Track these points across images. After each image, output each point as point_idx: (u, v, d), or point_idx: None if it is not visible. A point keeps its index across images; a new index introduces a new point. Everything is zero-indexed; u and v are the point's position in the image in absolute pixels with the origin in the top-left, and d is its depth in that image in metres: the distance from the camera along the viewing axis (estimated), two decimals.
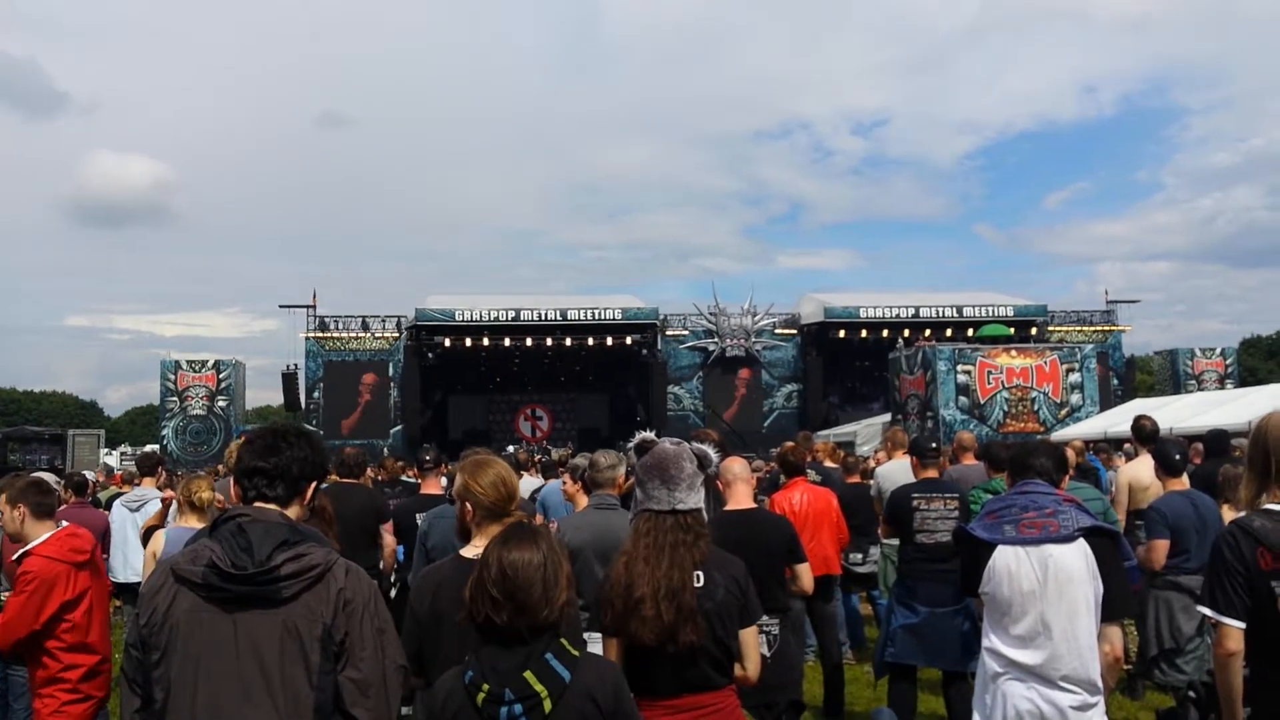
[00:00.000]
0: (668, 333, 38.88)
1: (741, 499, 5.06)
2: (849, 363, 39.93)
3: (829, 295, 40.44)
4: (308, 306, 37.93)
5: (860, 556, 8.95)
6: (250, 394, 45.61)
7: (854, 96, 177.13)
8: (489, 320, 35.75)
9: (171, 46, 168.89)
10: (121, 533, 8.59)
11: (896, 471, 7.73)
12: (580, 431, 40.07)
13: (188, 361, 38.33)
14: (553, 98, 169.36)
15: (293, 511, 2.69)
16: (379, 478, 11.65)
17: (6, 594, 4.78)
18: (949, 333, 35.60)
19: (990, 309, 36.97)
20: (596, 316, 36.54)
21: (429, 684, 2.90)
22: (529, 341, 35.95)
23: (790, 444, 8.28)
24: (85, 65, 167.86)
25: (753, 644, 3.35)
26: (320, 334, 37.70)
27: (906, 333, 35.48)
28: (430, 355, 35.93)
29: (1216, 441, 8.09)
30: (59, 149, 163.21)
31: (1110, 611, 3.69)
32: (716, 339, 39.07)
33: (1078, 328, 40.63)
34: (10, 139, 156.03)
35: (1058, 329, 39.78)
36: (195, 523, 5.53)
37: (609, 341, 36.26)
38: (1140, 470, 7.29)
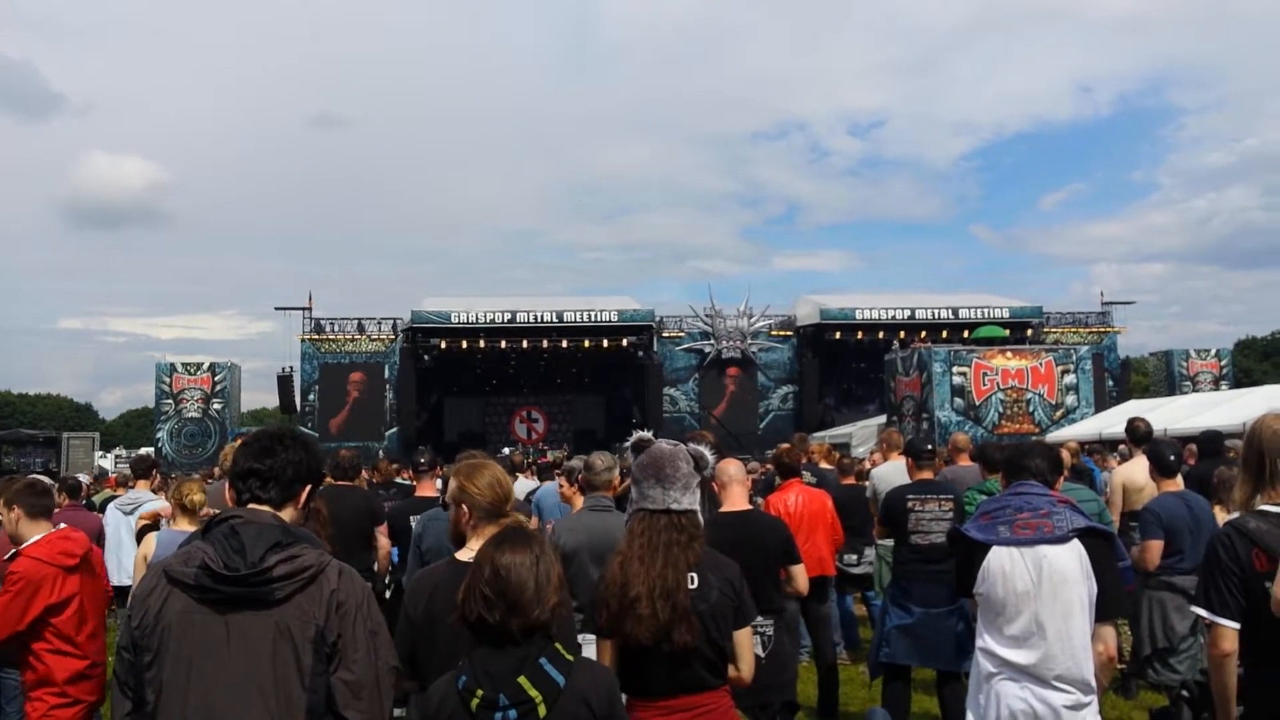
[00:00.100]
0: (664, 335, 38.86)
1: (737, 500, 5.06)
2: (845, 364, 39.93)
3: (825, 297, 40.45)
4: (303, 309, 37.87)
5: (855, 558, 8.96)
6: (246, 396, 45.56)
7: (851, 97, 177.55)
8: (485, 322, 35.69)
9: (167, 47, 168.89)
10: (116, 536, 8.57)
11: (892, 473, 7.74)
12: (576, 433, 40.03)
13: (183, 364, 38.23)
14: (551, 98, 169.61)
15: (287, 514, 2.69)
16: (374, 480, 11.64)
17: None
18: (945, 334, 35.64)
19: (986, 310, 36.99)
20: (592, 318, 36.49)
21: (423, 687, 2.90)
22: (525, 343, 35.90)
23: (785, 445, 8.29)
24: (80, 66, 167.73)
25: (747, 645, 3.36)
26: (316, 336, 37.61)
27: (902, 334, 35.45)
28: (426, 357, 35.87)
29: (1210, 443, 8.11)
30: (53, 150, 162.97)
31: (1104, 611, 3.70)
32: (712, 341, 39.05)
33: (1073, 329, 40.68)
34: (5, 140, 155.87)
35: (1053, 330, 39.82)
36: (187, 526, 5.52)
37: (605, 343, 36.21)
38: (1135, 471, 7.31)
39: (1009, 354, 28.21)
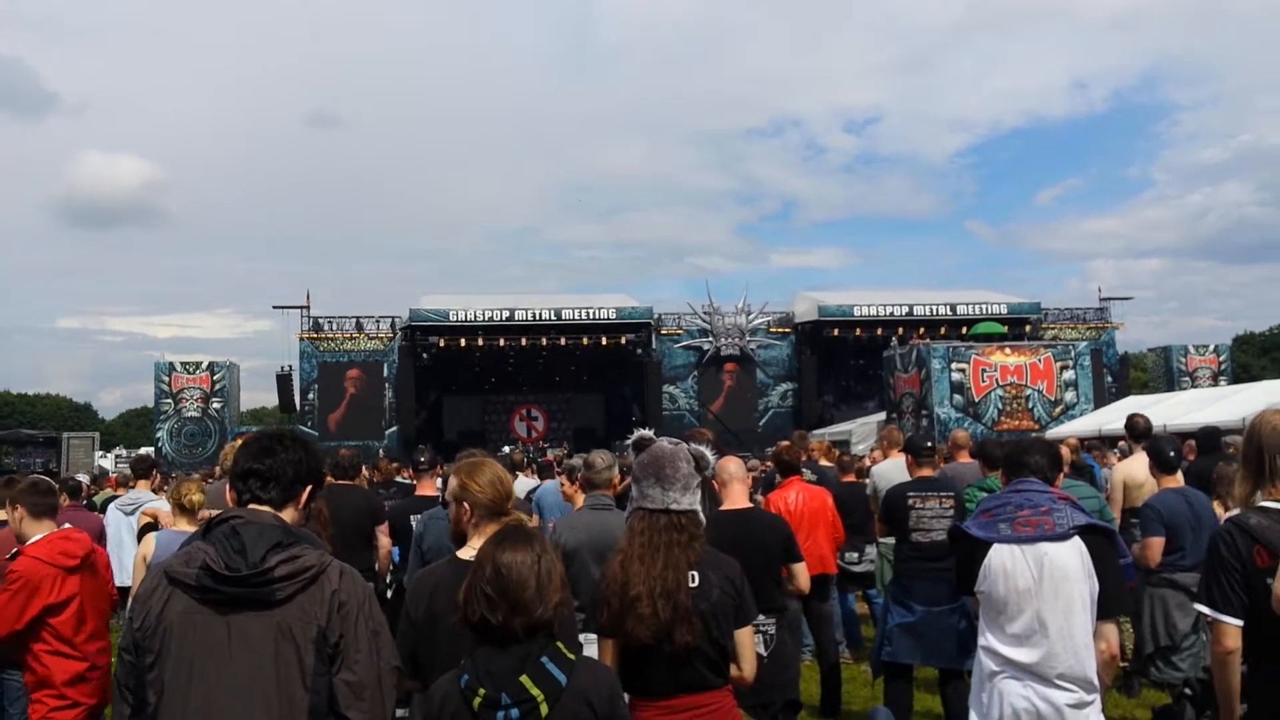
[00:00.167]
0: (662, 332, 38.88)
1: (737, 498, 5.06)
2: (843, 361, 39.93)
3: (823, 294, 40.46)
4: (301, 307, 37.88)
5: (856, 555, 8.96)
6: (245, 395, 45.50)
7: (846, 94, 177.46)
8: (483, 320, 35.68)
9: (165, 46, 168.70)
10: (116, 536, 8.57)
11: (892, 470, 7.73)
12: (576, 431, 40.03)
13: (181, 363, 38.23)
14: (550, 98, 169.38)
15: (287, 515, 2.69)
16: (374, 479, 11.63)
17: None
18: (943, 331, 35.63)
19: (984, 307, 37.00)
20: (591, 316, 36.48)
21: (425, 686, 2.90)
22: (524, 341, 35.88)
23: (785, 443, 8.29)
24: (75, 65, 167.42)
25: (748, 644, 3.36)
26: (314, 335, 37.61)
27: (900, 331, 35.47)
28: (424, 356, 35.86)
29: (1209, 438, 8.12)
30: (49, 150, 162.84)
31: (1106, 609, 3.69)
32: (711, 338, 39.06)
33: (1071, 325, 40.69)
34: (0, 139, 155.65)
35: (1051, 326, 39.83)
36: (186, 526, 5.52)
37: (603, 341, 36.20)
38: (1135, 468, 7.31)
39: (1008, 350, 28.18)
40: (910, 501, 6.16)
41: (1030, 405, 27.14)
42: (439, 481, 7.73)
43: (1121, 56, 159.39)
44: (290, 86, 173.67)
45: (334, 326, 38.08)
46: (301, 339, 37.46)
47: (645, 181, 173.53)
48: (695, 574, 3.24)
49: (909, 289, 42.56)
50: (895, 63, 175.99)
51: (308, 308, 37.93)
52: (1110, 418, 20.44)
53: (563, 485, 6.76)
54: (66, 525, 4.91)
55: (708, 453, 3.53)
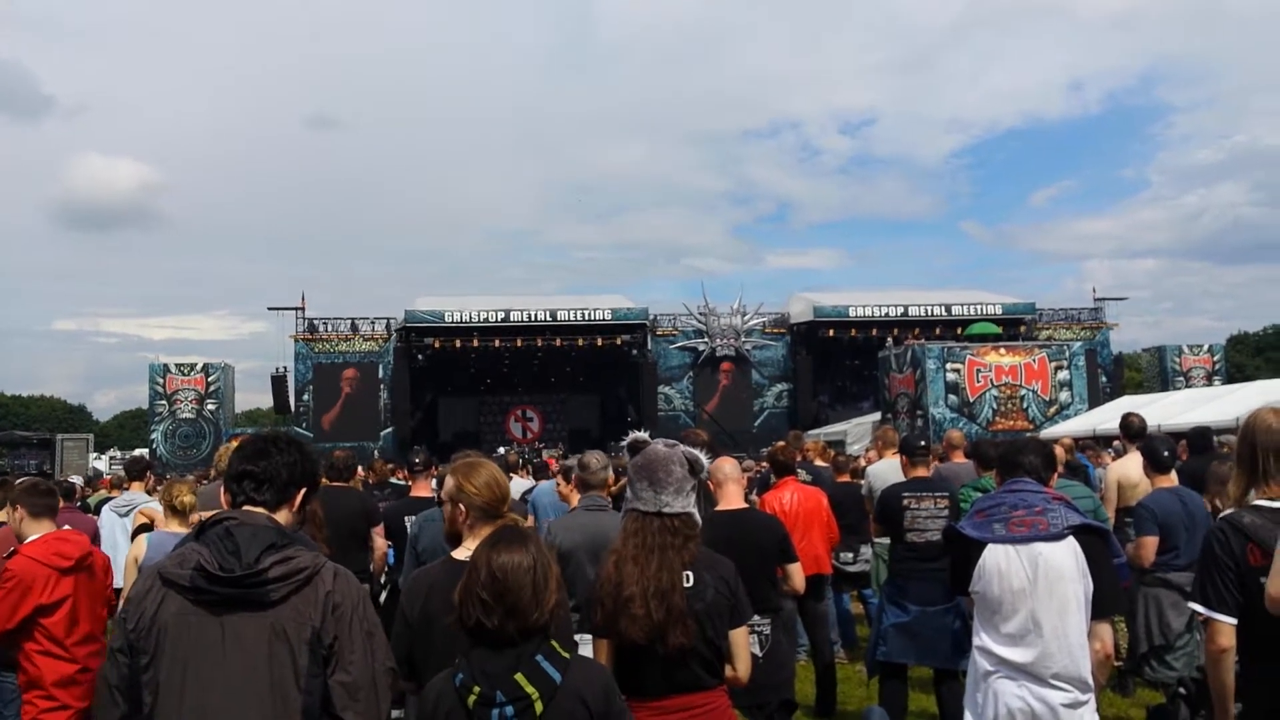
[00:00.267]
0: (658, 333, 38.91)
1: (732, 499, 5.06)
2: (839, 362, 40.00)
3: (818, 294, 40.52)
4: (296, 309, 37.87)
5: (851, 556, 8.96)
6: (240, 397, 45.38)
7: (842, 96, 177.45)
8: (479, 321, 35.68)
9: (163, 47, 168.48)
10: (111, 538, 8.54)
11: (887, 470, 7.74)
12: (571, 433, 40.06)
13: (176, 365, 38.16)
14: (549, 98, 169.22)
15: (281, 517, 2.69)
16: (369, 480, 11.63)
17: None
18: (938, 331, 35.71)
19: (978, 307, 37.08)
20: (586, 317, 36.52)
21: (420, 687, 2.89)
22: (519, 342, 35.90)
23: (780, 443, 8.28)
24: (72, 67, 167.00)
25: (743, 644, 3.35)
26: (309, 336, 37.62)
27: (895, 331, 35.54)
28: (420, 357, 35.88)
29: (1200, 438, 8.12)
30: (45, 152, 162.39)
31: (1100, 609, 3.70)
32: (706, 339, 39.11)
33: (1066, 325, 40.77)
34: None
35: (1046, 327, 39.92)
36: (177, 527, 5.51)
37: (599, 342, 36.25)
38: (1129, 467, 7.31)
39: (1002, 350, 28.24)
40: (905, 502, 6.17)
41: (1025, 405, 27.20)
42: (434, 483, 7.72)
43: (1118, 57, 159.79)
44: (290, 87, 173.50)
45: (329, 328, 38.09)
46: (296, 340, 37.45)
47: (643, 182, 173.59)
48: (690, 574, 3.24)
49: (904, 290, 42.68)
50: (893, 62, 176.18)
51: (303, 309, 37.95)
52: (1105, 418, 20.48)
53: (559, 485, 6.77)
54: (66, 527, 4.91)
55: (702, 455, 3.53)
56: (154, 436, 37.22)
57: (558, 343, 36.09)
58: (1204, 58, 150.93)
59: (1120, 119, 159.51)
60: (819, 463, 10.11)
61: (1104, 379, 39.14)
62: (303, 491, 2.78)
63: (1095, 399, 30.63)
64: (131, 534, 7.63)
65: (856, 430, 29.29)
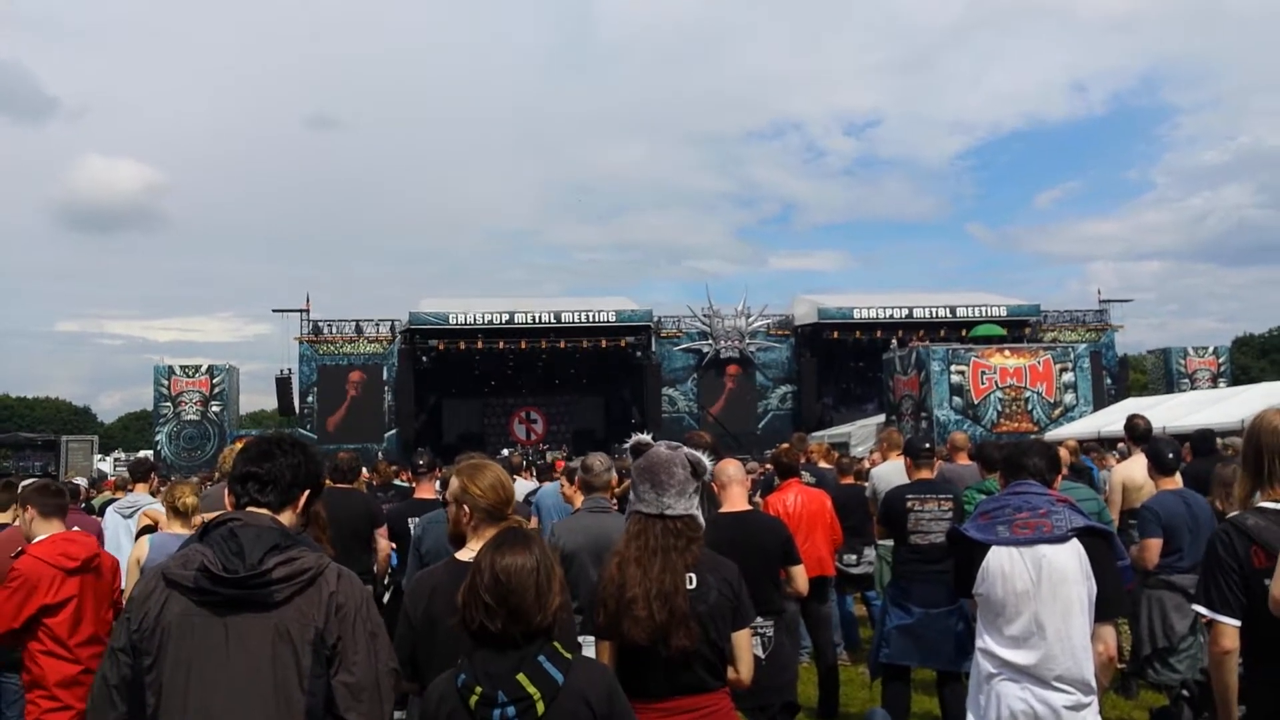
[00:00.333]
0: (661, 335, 38.87)
1: (736, 501, 5.06)
2: (843, 363, 39.94)
3: (822, 296, 40.45)
4: (301, 310, 37.86)
5: (854, 558, 8.95)
6: (244, 399, 45.46)
7: (843, 96, 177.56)
8: (483, 323, 35.66)
9: (164, 48, 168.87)
10: (115, 540, 8.55)
11: (892, 472, 7.73)
12: (575, 434, 40.00)
13: (181, 366, 38.14)
14: (549, 98, 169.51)
15: (285, 518, 2.70)
16: (373, 482, 11.64)
17: None
18: (942, 333, 35.63)
19: (983, 309, 37.00)
20: (590, 319, 36.48)
21: (423, 688, 2.90)
22: (523, 344, 35.86)
23: (785, 445, 8.30)
24: (75, 69, 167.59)
25: (746, 647, 3.35)
26: (313, 338, 37.62)
27: (900, 333, 35.43)
28: (424, 359, 35.85)
29: (1203, 441, 8.12)
30: (48, 153, 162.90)
31: (1104, 611, 3.69)
32: (710, 341, 39.06)
33: (1070, 327, 40.69)
34: None
35: (1050, 329, 39.83)
36: (179, 529, 5.52)
37: (603, 344, 36.20)
38: (1134, 470, 7.31)
39: (1007, 352, 28.20)
40: (909, 504, 6.16)
41: (1029, 407, 27.16)
42: (438, 484, 7.73)
43: (1121, 58, 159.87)
44: (290, 87, 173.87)
45: (333, 330, 38.06)
46: (301, 342, 37.45)
47: (644, 183, 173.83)
48: (693, 576, 3.24)
49: (908, 291, 42.63)
50: (895, 63, 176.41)
51: (307, 311, 37.93)
52: (1109, 420, 20.45)
53: (563, 487, 6.77)
54: (76, 529, 4.94)
55: (705, 458, 3.53)
56: (159, 438, 37.22)
57: (562, 344, 36.05)
58: (1206, 59, 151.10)
59: (1124, 120, 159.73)
60: (823, 465, 10.11)
61: (1109, 381, 39.03)
62: (307, 493, 2.78)
63: (1100, 401, 30.56)
64: (135, 536, 7.65)
65: (861, 432, 29.26)
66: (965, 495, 6.34)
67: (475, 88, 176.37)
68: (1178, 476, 6.28)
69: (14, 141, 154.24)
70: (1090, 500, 6.48)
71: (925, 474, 6.38)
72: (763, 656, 4.71)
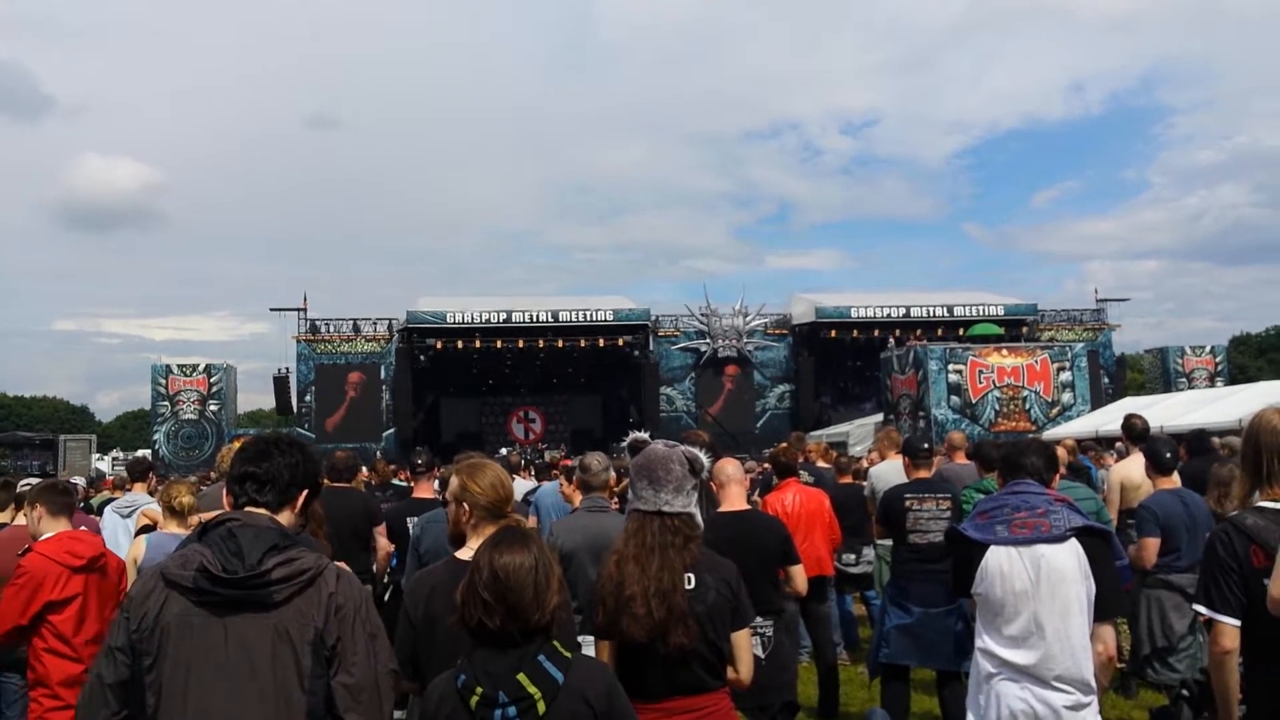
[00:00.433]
0: (659, 334, 38.88)
1: (735, 500, 5.06)
2: (841, 363, 39.98)
3: (820, 295, 40.47)
4: (298, 309, 37.86)
5: (853, 557, 8.95)
6: (242, 398, 45.35)
7: (842, 96, 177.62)
8: (481, 322, 35.65)
9: (163, 47, 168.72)
10: (113, 539, 8.54)
11: (890, 472, 7.73)
12: (573, 433, 40.03)
13: (178, 366, 38.13)
14: (549, 98, 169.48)
15: (284, 518, 2.69)
16: (371, 481, 11.64)
17: None
18: (940, 332, 35.68)
19: (981, 308, 37.05)
20: (588, 318, 36.49)
21: (423, 688, 2.90)
22: (521, 343, 35.85)
23: (783, 445, 8.29)
24: (72, 66, 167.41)
25: (745, 647, 3.35)
26: (311, 337, 37.61)
27: (897, 332, 35.46)
28: (422, 358, 35.85)
29: (1198, 440, 8.12)
30: (45, 152, 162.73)
31: (1103, 611, 3.69)
32: (708, 340, 39.09)
33: (1068, 326, 40.73)
34: None
35: (1048, 328, 39.86)
36: (176, 528, 5.53)
37: (601, 343, 36.22)
38: (1132, 469, 7.30)
39: (1004, 351, 28.21)
40: (907, 503, 6.16)
41: (1027, 406, 27.18)
42: (436, 484, 7.72)
43: (1118, 58, 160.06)
44: (290, 87, 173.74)
45: (331, 329, 38.07)
46: (299, 341, 37.45)
47: (644, 183, 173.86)
48: (691, 576, 3.23)
49: (906, 291, 42.77)
50: (893, 63, 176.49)
51: (305, 310, 37.93)
52: (1107, 419, 20.46)
53: (562, 486, 6.77)
54: (83, 528, 4.95)
55: (702, 455, 3.52)
56: (156, 437, 37.20)
57: (560, 344, 36.05)
58: (1204, 59, 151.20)
59: (1121, 120, 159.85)
60: (821, 464, 10.10)
61: (1106, 380, 39.07)
62: (305, 493, 2.78)
63: (1097, 400, 30.57)
64: (134, 535, 7.64)
65: (859, 431, 29.26)
66: (963, 494, 6.34)
67: (475, 88, 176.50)
68: (1175, 476, 6.29)
69: (12, 140, 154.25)
70: (1088, 500, 6.48)
71: (923, 473, 6.38)
72: (762, 656, 4.71)
